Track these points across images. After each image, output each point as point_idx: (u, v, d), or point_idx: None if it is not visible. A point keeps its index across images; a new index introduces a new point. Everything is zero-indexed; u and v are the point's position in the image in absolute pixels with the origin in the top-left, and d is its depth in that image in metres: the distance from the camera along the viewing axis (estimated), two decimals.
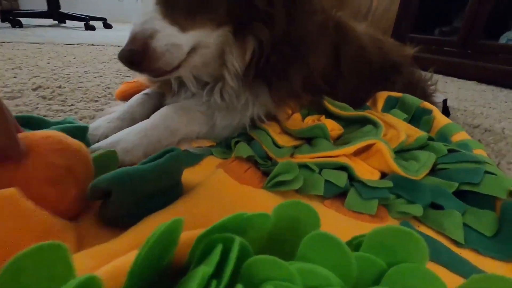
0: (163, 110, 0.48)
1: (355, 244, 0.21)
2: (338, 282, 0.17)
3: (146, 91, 0.59)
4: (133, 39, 0.37)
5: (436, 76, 1.52)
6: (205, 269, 0.17)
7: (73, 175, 0.29)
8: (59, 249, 0.15)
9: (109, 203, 0.30)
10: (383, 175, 0.45)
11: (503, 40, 1.50)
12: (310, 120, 0.57)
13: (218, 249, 0.19)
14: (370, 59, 0.71)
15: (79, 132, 0.40)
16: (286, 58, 0.48)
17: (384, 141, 0.47)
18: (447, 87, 1.35)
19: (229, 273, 0.17)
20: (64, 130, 0.37)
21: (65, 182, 0.28)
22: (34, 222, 0.23)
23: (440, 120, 0.62)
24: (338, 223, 0.34)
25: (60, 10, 2.45)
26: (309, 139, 0.53)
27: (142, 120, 0.47)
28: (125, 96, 0.66)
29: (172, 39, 0.39)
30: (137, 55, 0.37)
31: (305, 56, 0.50)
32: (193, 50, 0.43)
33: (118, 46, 1.69)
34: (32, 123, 0.41)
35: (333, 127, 0.57)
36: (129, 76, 0.99)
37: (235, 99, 0.49)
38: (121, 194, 0.29)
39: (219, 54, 0.48)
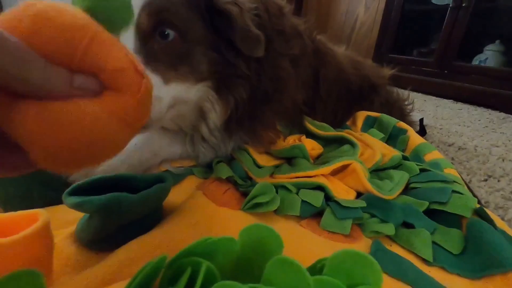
0: (145, 132, 0.49)
1: (319, 267, 0.22)
2: None
3: None
4: None
5: (415, 95, 1.59)
6: None
7: None
8: (34, 276, 0.16)
9: (91, 226, 0.30)
10: (359, 194, 0.47)
11: (475, 62, 1.60)
12: (291, 140, 0.58)
13: (187, 272, 0.20)
14: (349, 80, 0.74)
15: None
16: (258, 102, 0.48)
17: (359, 161, 0.49)
18: (425, 105, 1.42)
19: None
20: None
21: None
22: None
23: (415, 139, 0.65)
24: (312, 244, 0.35)
25: None
26: (289, 158, 0.55)
27: None
28: None
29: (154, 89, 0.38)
30: None
31: (278, 95, 0.51)
32: (171, 104, 0.41)
33: None
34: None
35: (313, 147, 0.59)
36: None
37: (221, 144, 0.50)
38: (107, 220, 0.29)
39: (197, 108, 0.47)
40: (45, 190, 0.37)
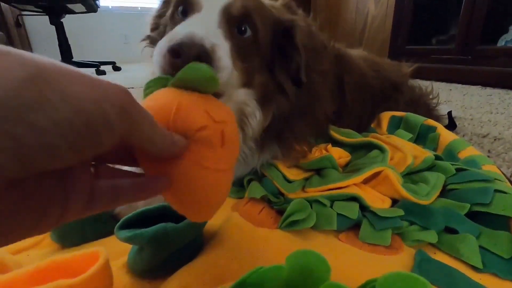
0: None
1: None
2: None
3: None
4: (195, 38, 0.31)
5: (439, 85, 1.53)
6: None
7: None
8: None
9: (143, 257, 0.33)
10: (394, 201, 0.46)
11: (501, 43, 1.51)
12: (318, 151, 0.59)
13: None
14: (370, 84, 0.73)
15: None
16: (295, 117, 0.51)
17: (391, 167, 0.48)
18: (451, 95, 1.36)
19: None
20: None
21: None
22: None
23: (446, 136, 0.63)
24: (353, 259, 0.35)
25: (73, 60, 2.63)
26: (318, 169, 0.55)
27: None
28: None
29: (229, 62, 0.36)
30: (205, 52, 0.32)
31: (311, 108, 0.53)
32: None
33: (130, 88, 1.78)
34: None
35: (341, 155, 0.58)
36: None
37: (250, 156, 0.51)
38: (157, 250, 0.31)
39: (237, 110, 0.46)
40: (95, 225, 0.40)
